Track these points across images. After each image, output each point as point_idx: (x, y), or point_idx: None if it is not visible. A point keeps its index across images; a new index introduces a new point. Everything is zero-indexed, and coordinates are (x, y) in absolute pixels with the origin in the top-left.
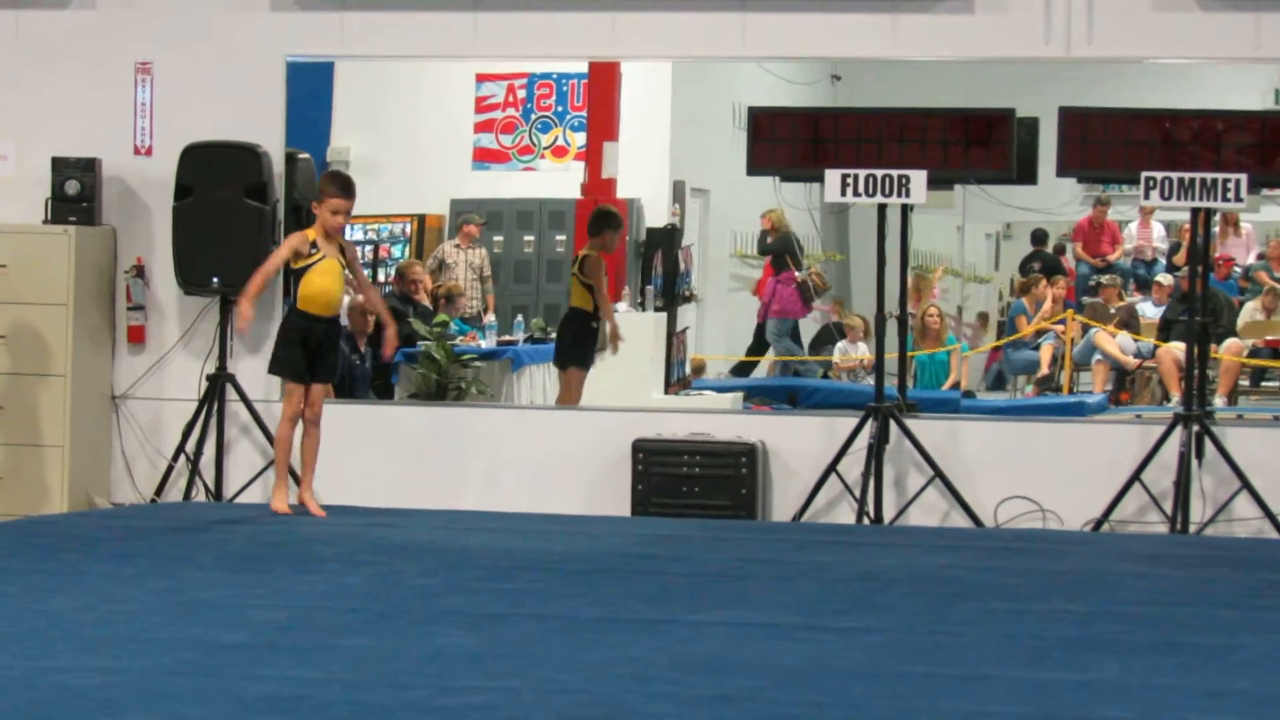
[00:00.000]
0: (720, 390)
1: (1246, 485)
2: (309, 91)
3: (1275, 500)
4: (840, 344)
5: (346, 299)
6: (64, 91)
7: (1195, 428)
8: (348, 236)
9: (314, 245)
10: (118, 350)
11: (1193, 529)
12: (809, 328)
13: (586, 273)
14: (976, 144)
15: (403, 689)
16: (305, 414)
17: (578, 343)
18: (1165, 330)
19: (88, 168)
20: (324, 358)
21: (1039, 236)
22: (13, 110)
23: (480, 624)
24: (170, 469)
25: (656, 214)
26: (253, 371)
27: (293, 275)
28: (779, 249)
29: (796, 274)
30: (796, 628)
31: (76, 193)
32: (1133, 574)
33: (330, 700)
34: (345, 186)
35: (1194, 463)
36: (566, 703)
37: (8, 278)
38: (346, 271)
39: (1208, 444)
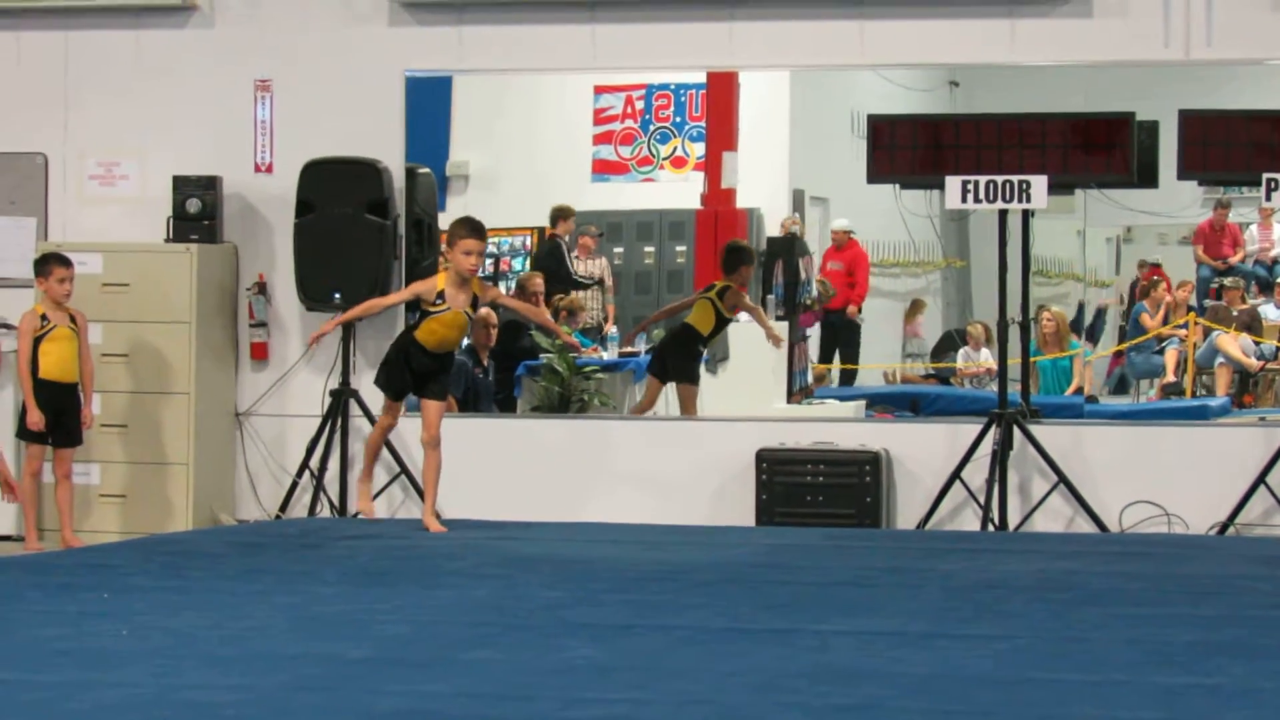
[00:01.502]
0: (843, 399)
1: None
2: (428, 106)
3: None
4: (962, 350)
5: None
6: (184, 110)
7: None
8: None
9: (440, 296)
10: (240, 367)
11: None
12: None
13: (727, 302)
14: (1097, 148)
15: (531, 701)
16: (423, 436)
17: (686, 358)
18: None
19: (209, 186)
20: (430, 381)
21: None
22: (134, 130)
23: (607, 636)
24: (294, 485)
25: (777, 223)
26: (376, 387)
27: (419, 309)
28: None
29: None
30: (923, 636)
31: (198, 211)
32: (1259, 577)
33: (458, 714)
34: (475, 228)
35: None
36: (696, 714)
37: (131, 296)
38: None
39: None
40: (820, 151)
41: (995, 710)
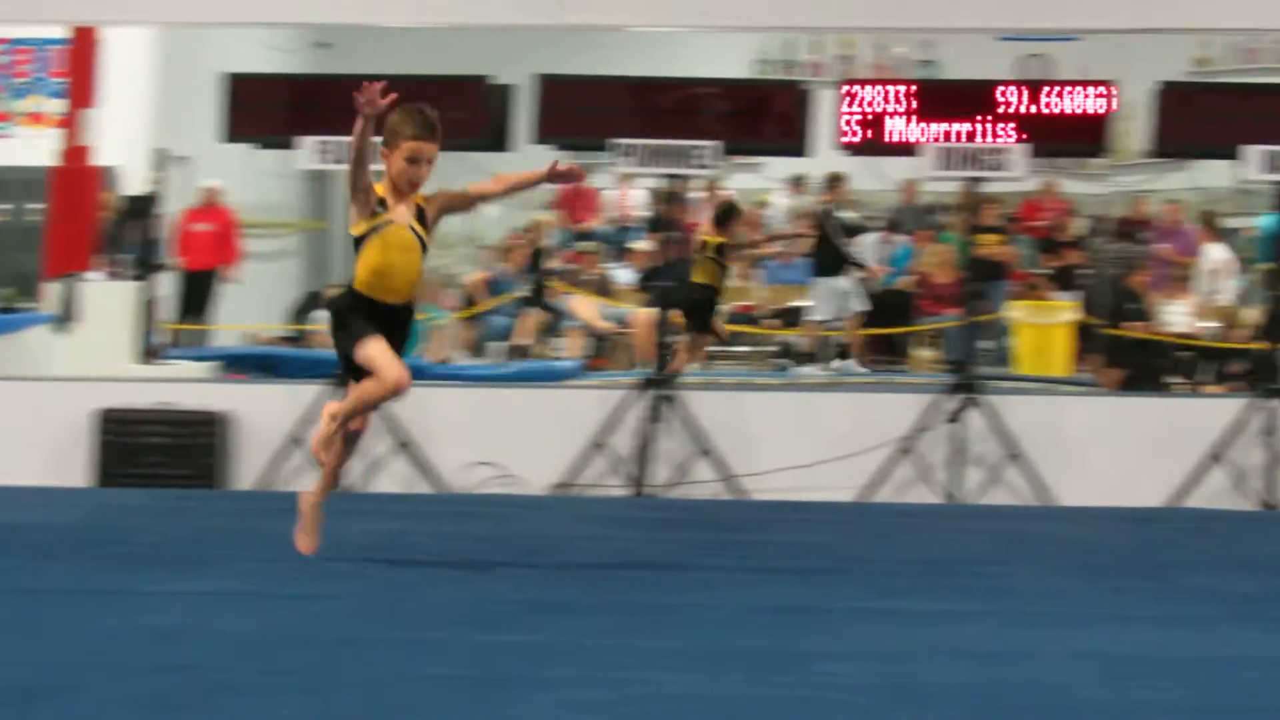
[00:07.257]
0: (196, 360)
1: (705, 450)
2: None
3: (732, 462)
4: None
5: None
6: None
7: (659, 393)
8: None
9: (382, 204)
10: None
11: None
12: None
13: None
14: (453, 112)
15: None
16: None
17: (708, 311)
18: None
19: None
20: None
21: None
22: None
23: None
24: None
25: (136, 181)
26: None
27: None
28: None
29: None
30: (252, 596)
31: None
32: (589, 537)
33: None
34: (428, 125)
35: (658, 427)
36: (12, 673)
37: None
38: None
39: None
40: (185, 111)
41: (311, 668)
